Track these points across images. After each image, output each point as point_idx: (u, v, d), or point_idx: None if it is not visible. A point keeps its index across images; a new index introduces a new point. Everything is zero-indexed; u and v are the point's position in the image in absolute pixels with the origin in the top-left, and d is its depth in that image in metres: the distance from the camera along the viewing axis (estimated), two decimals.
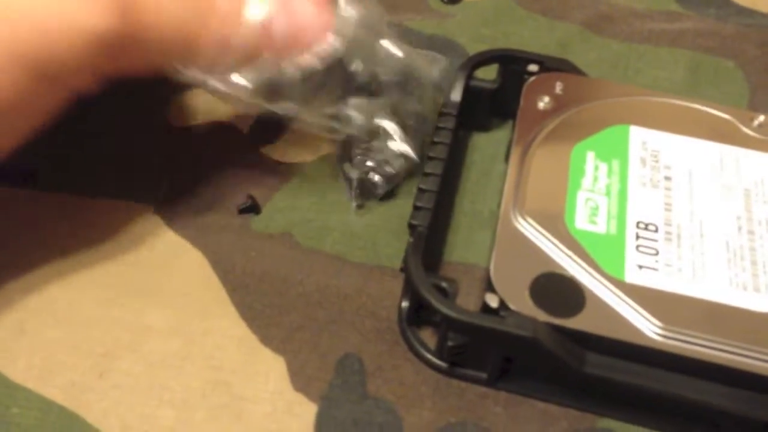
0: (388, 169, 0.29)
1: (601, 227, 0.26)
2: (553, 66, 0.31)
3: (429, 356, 0.26)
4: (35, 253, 0.28)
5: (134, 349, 0.26)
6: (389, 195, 0.30)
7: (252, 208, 0.30)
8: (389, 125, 0.29)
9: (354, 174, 0.29)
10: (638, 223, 0.26)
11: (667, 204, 0.27)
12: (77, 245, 0.28)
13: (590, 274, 0.24)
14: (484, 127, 0.33)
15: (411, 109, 0.30)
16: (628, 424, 0.25)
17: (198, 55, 0.25)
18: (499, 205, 0.27)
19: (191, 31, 0.25)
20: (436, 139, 0.29)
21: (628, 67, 0.36)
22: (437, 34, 0.37)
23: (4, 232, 0.28)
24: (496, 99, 0.32)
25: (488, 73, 0.32)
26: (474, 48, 0.33)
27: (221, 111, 0.33)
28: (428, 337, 0.26)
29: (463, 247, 0.29)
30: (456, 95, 0.30)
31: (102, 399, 0.24)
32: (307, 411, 0.24)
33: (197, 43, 0.25)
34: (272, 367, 0.25)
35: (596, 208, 0.26)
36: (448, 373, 0.25)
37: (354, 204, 0.30)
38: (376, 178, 0.30)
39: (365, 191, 0.30)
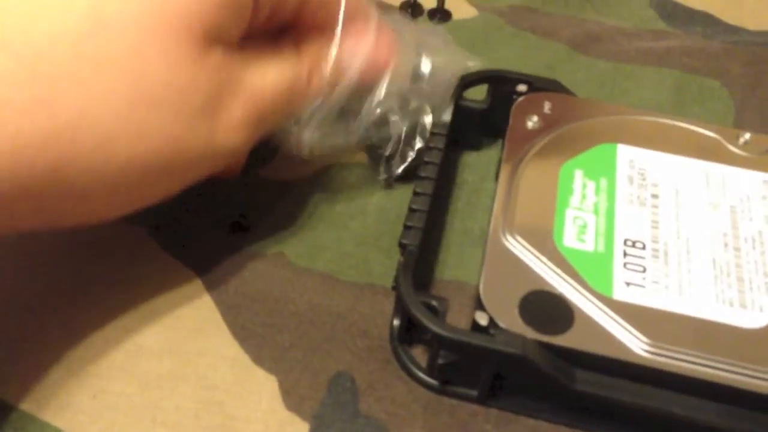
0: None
1: (589, 245, 0.26)
2: (541, 86, 0.32)
3: (420, 374, 0.26)
4: (32, 273, 0.28)
5: (127, 370, 0.26)
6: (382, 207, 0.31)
7: (242, 227, 0.30)
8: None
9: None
10: (626, 240, 0.26)
11: (654, 222, 0.27)
12: (70, 266, 0.28)
13: (579, 291, 0.25)
14: (475, 146, 0.34)
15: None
16: None
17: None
18: (489, 223, 0.28)
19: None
20: (426, 159, 0.29)
21: (614, 86, 0.36)
22: None
23: None
24: (485, 118, 0.33)
25: (478, 93, 0.32)
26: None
27: None
28: (420, 355, 0.26)
29: (454, 264, 0.29)
30: (446, 115, 0.31)
31: (96, 420, 0.25)
32: (299, 430, 0.24)
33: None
34: (264, 386, 0.25)
35: (584, 226, 0.27)
36: (439, 391, 0.26)
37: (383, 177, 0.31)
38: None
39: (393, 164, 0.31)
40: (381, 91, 0.28)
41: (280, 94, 0.26)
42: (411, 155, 0.31)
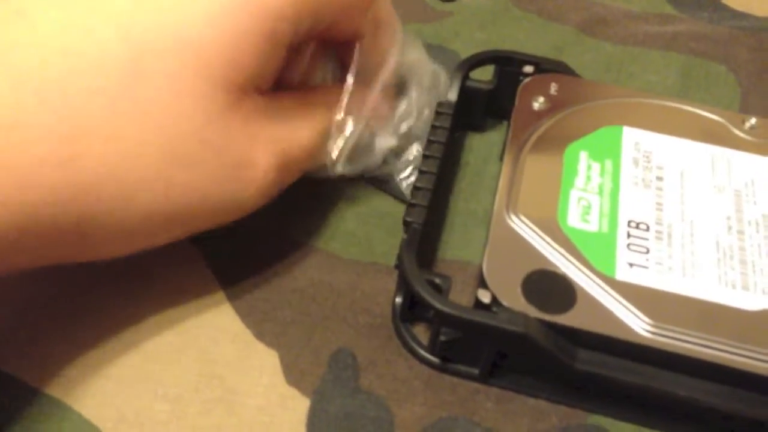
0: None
1: (593, 225, 0.26)
2: (548, 67, 0.32)
3: (422, 352, 0.26)
4: None
5: (127, 342, 0.26)
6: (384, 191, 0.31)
7: None
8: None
9: None
10: (630, 222, 0.26)
11: (658, 204, 0.27)
12: None
13: (581, 271, 0.25)
14: (479, 128, 0.34)
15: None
16: (618, 420, 0.25)
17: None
18: (493, 203, 0.28)
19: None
20: (431, 138, 0.29)
21: (621, 70, 0.36)
22: (433, 39, 0.37)
23: None
24: (491, 99, 0.32)
25: (484, 75, 0.32)
26: (470, 50, 0.33)
27: None
28: (421, 333, 0.26)
29: (457, 244, 0.29)
30: (452, 95, 0.31)
31: (96, 392, 0.25)
32: (299, 405, 0.25)
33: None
34: (266, 361, 0.25)
35: (588, 207, 0.27)
36: (440, 368, 0.26)
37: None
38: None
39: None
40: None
41: (310, 145, 0.26)
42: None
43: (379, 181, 0.31)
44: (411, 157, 0.30)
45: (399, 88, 0.30)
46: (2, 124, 0.20)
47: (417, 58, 0.30)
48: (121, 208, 0.22)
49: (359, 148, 0.28)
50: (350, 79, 0.27)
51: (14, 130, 0.20)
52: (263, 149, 0.24)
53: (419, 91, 0.30)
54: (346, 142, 0.27)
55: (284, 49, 0.24)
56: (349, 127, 0.27)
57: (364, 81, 0.28)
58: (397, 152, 0.30)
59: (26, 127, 0.20)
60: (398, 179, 0.30)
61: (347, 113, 0.27)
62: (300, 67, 0.27)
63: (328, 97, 0.27)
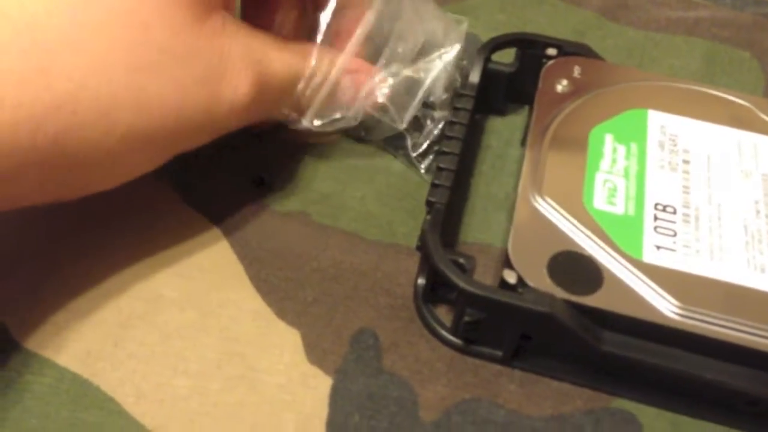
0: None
1: (619, 208, 0.26)
2: (571, 50, 0.31)
3: (444, 333, 0.26)
4: (52, 224, 0.28)
5: (149, 320, 0.25)
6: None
7: (264, 182, 0.30)
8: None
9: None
10: (656, 204, 0.26)
11: (685, 187, 0.27)
12: (94, 218, 0.28)
13: (608, 253, 0.24)
14: (500, 112, 0.33)
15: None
16: (643, 404, 0.25)
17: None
18: (515, 188, 0.27)
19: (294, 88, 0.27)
20: (454, 119, 0.29)
21: (644, 55, 0.36)
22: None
23: None
24: (513, 82, 0.32)
25: (505, 58, 0.32)
26: (490, 33, 0.33)
27: None
28: (443, 315, 0.26)
29: (478, 227, 0.29)
30: (474, 77, 0.30)
31: (116, 368, 0.24)
32: (321, 383, 0.24)
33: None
34: (287, 340, 0.25)
35: (614, 189, 0.26)
36: (463, 350, 0.25)
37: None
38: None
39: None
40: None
41: (283, 74, 0.26)
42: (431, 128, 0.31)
43: (394, 146, 0.31)
44: (426, 131, 0.30)
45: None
46: None
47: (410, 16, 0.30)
48: (99, 122, 0.22)
49: (333, 103, 0.28)
50: (324, 18, 0.27)
51: None
52: (234, 65, 0.24)
53: (404, 47, 0.29)
54: (314, 92, 0.27)
55: None
56: (320, 77, 0.27)
57: (340, 32, 0.28)
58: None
59: None
60: (411, 151, 0.30)
61: (319, 60, 0.27)
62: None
63: (303, 44, 0.27)
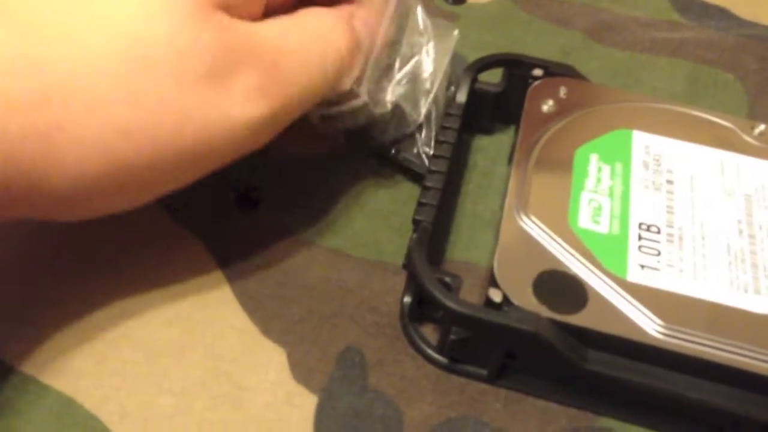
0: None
1: (603, 227, 0.26)
2: (557, 71, 0.32)
3: (430, 352, 0.26)
4: (35, 242, 0.28)
5: (133, 337, 0.25)
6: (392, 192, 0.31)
7: (251, 201, 0.30)
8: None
9: None
10: (640, 224, 0.26)
11: (669, 207, 0.27)
12: (76, 236, 0.28)
13: (593, 272, 0.25)
14: (487, 131, 0.34)
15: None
16: (627, 423, 0.25)
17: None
18: (501, 207, 0.28)
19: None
20: (441, 138, 0.29)
21: (628, 76, 0.36)
22: None
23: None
24: (499, 102, 0.32)
25: (492, 78, 0.32)
26: (477, 53, 0.33)
27: None
28: (429, 333, 0.26)
29: (464, 246, 0.29)
30: (461, 96, 0.31)
31: (100, 385, 0.24)
32: (307, 402, 0.24)
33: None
34: (273, 358, 0.25)
35: (599, 209, 0.27)
36: (448, 368, 0.25)
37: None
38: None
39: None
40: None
41: (301, 63, 0.24)
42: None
43: (397, 150, 0.31)
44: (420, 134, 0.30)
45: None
46: None
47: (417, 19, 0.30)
48: (91, 118, 0.20)
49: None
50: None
51: None
52: (245, 63, 0.23)
53: (412, 45, 0.29)
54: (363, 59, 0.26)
55: None
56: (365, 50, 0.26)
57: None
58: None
59: None
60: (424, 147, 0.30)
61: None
62: None
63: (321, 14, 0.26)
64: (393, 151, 0.31)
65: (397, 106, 0.29)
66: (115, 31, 0.21)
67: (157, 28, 0.21)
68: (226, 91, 0.22)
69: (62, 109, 0.20)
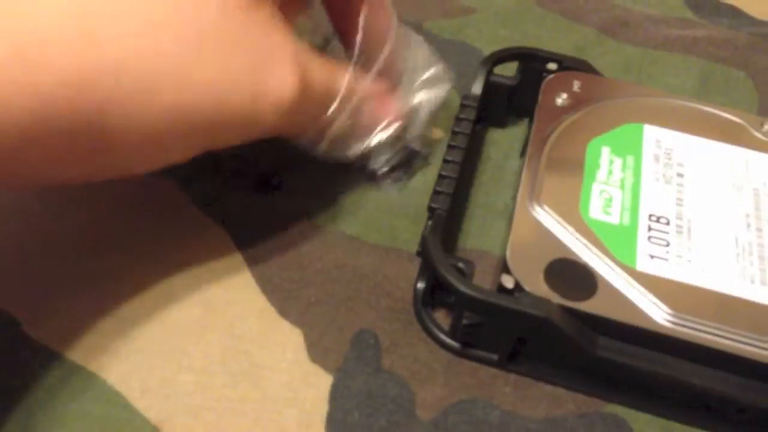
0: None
1: (614, 218, 0.27)
2: (571, 65, 0.32)
3: (442, 336, 0.26)
4: (62, 220, 0.28)
5: (156, 316, 0.26)
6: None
7: (273, 185, 0.30)
8: None
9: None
10: (650, 215, 0.27)
11: (678, 199, 0.28)
12: (102, 216, 0.29)
13: (603, 260, 0.25)
14: (501, 123, 0.34)
15: None
16: (634, 410, 0.25)
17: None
18: (513, 198, 0.28)
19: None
20: (456, 129, 0.30)
21: (641, 71, 0.37)
22: (456, 36, 0.37)
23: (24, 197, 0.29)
24: (514, 95, 0.33)
25: (507, 71, 0.33)
26: (492, 47, 0.34)
27: None
28: (442, 319, 0.27)
29: (477, 235, 0.30)
30: (477, 88, 0.31)
31: (122, 362, 0.25)
32: (322, 381, 0.25)
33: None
34: (290, 338, 0.26)
35: (610, 200, 0.27)
36: (460, 353, 0.26)
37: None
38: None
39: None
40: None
41: (323, 81, 0.25)
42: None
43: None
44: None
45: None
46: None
47: (419, 54, 0.30)
48: (142, 96, 0.21)
49: (342, 134, 0.28)
50: (359, 42, 0.27)
51: (14, 4, 0.20)
52: (283, 59, 0.24)
53: (413, 86, 0.30)
54: (336, 114, 0.27)
55: None
56: (340, 108, 0.27)
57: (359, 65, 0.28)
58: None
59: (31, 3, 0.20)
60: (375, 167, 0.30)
61: (354, 81, 0.27)
62: None
63: (339, 62, 0.27)
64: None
65: None
66: (168, 12, 0.22)
67: (209, 15, 0.22)
68: (265, 81, 0.23)
69: (114, 85, 0.21)
